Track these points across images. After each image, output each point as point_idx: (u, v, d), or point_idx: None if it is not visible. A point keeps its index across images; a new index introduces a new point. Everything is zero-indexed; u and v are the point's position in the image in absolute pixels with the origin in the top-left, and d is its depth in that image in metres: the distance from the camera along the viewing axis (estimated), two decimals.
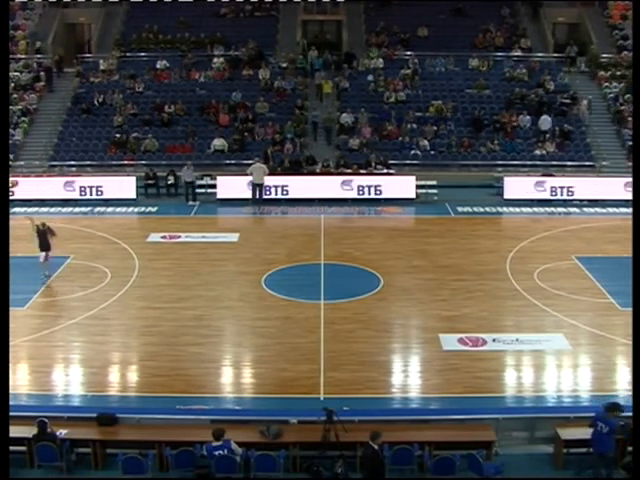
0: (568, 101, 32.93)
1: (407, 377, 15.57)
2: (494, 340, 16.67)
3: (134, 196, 28.10)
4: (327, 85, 34.17)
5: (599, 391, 14.64)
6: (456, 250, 22.61)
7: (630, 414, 11.92)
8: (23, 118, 32.62)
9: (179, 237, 23.95)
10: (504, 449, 12.89)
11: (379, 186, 28.27)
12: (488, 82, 34.54)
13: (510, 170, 30.04)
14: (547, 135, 31.69)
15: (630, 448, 11.82)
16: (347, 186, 28.21)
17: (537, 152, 31.16)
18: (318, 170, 29.53)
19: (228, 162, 30.54)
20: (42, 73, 34.83)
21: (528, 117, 32.38)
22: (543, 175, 29.15)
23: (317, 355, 15.97)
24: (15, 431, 11.84)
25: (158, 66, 35.34)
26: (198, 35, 37.13)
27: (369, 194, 28.23)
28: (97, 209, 27.33)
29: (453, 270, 20.92)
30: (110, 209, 27.36)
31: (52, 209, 27.04)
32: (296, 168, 29.71)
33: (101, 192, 28.15)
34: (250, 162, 28.78)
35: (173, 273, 20.82)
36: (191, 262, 21.69)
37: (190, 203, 27.87)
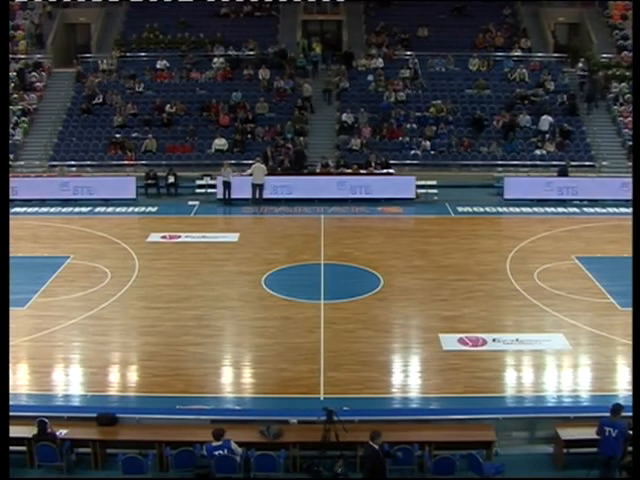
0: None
1: (407, 377, 15.55)
2: (494, 340, 16.65)
3: (134, 196, 28.07)
4: (318, 47, 35.01)
5: (599, 391, 14.64)
6: (456, 250, 22.59)
7: (630, 414, 11.91)
8: (23, 118, 32.62)
9: (179, 237, 23.93)
10: (504, 449, 12.89)
11: (379, 186, 28.25)
12: (488, 82, 34.55)
13: (510, 170, 30.06)
14: (547, 135, 31.71)
15: (630, 448, 11.80)
16: (347, 186, 28.18)
17: (537, 152, 31.18)
18: (318, 170, 29.53)
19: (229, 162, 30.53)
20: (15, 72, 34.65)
21: (528, 117, 32.37)
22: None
23: (317, 355, 15.95)
24: (15, 431, 11.81)
25: (158, 66, 35.34)
26: (198, 35, 37.13)
27: (369, 194, 28.19)
28: (97, 209, 27.29)
29: (453, 270, 20.90)
30: (110, 209, 27.31)
31: (52, 209, 27.06)
32: (299, 160, 29.74)
33: (101, 192, 28.10)
34: (250, 162, 28.81)
35: (173, 273, 20.80)
36: (191, 262, 21.67)
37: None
